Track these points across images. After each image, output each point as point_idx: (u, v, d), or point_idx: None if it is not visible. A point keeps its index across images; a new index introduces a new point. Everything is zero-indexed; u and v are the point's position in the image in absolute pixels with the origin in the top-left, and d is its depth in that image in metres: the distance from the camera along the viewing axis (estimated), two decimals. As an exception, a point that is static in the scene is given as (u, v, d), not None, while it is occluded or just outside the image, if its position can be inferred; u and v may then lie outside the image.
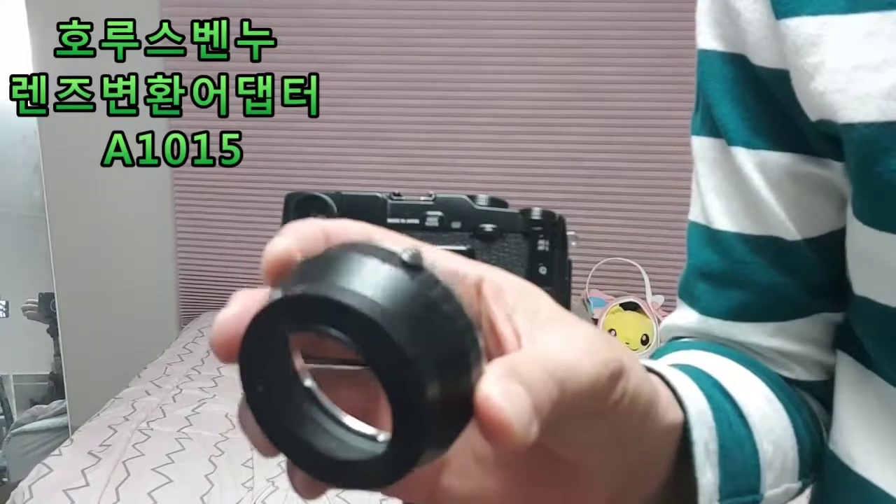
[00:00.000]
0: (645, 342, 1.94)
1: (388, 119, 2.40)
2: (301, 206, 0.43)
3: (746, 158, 0.48)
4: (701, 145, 0.52)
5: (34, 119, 2.47)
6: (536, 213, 0.42)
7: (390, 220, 0.43)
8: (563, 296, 0.43)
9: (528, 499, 0.32)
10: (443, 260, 0.28)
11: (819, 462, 0.51)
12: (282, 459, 0.28)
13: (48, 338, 2.68)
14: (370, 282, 0.24)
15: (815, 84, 0.42)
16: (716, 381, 0.46)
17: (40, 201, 2.54)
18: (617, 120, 2.34)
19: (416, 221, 0.43)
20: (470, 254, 0.43)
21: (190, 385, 1.94)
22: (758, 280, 0.51)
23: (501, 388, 0.24)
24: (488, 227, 0.42)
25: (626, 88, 2.31)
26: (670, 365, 0.45)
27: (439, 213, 0.43)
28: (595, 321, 2.04)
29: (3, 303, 2.66)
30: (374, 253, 0.25)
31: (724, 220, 0.51)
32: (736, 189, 0.50)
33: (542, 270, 0.42)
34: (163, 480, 1.53)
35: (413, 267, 0.25)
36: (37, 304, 2.67)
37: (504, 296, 0.28)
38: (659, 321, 2.01)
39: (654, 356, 0.54)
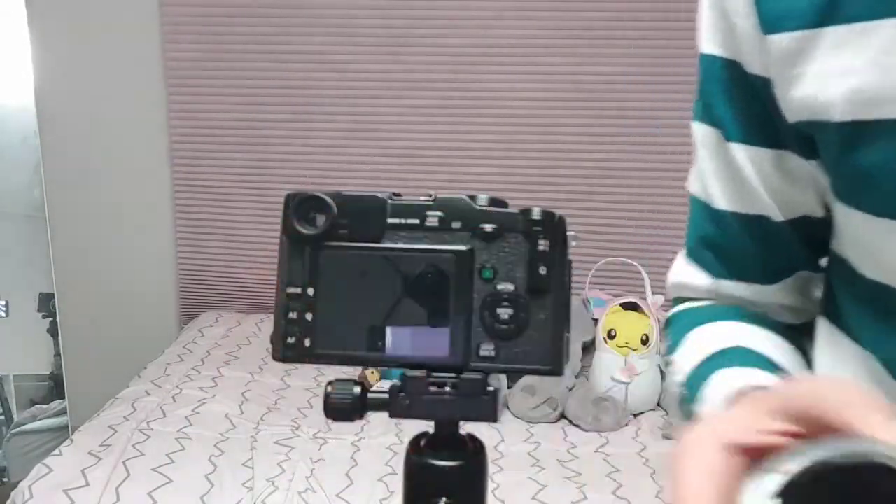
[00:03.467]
0: (645, 342, 1.93)
1: (388, 119, 2.40)
2: (301, 206, 0.43)
3: (741, 152, 0.57)
4: (702, 132, 0.60)
5: (34, 119, 2.47)
6: (536, 213, 0.42)
7: (390, 220, 0.43)
8: (563, 296, 0.43)
9: None
10: None
11: None
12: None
13: (48, 338, 2.68)
14: None
15: (793, 91, 0.50)
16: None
17: (40, 201, 2.54)
18: (617, 120, 2.34)
19: (416, 221, 0.43)
20: (470, 254, 0.43)
21: (190, 385, 1.94)
22: (751, 251, 0.61)
23: None
24: (488, 227, 0.42)
25: (626, 88, 2.31)
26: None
27: (439, 213, 0.43)
28: (595, 321, 2.04)
29: (3, 303, 2.65)
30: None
31: (722, 200, 0.60)
32: (732, 176, 0.59)
33: (542, 270, 0.42)
34: (163, 480, 1.53)
35: None
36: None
37: None
38: (659, 321, 2.01)
39: (676, 322, 0.66)
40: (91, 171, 2.52)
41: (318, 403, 1.87)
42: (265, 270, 2.50)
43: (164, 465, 1.58)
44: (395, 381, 0.43)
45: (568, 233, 0.43)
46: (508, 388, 1.91)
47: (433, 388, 0.43)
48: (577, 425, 1.85)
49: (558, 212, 0.43)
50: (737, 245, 0.61)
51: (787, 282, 0.62)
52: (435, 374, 0.43)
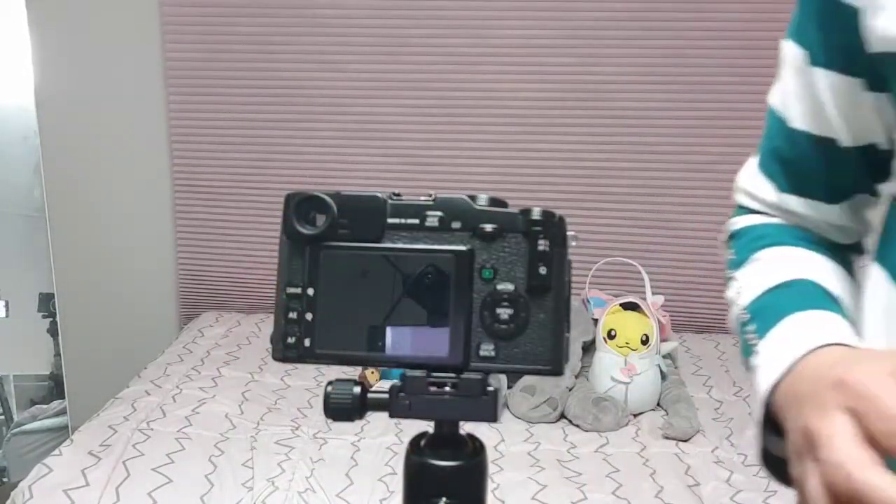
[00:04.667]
0: (645, 342, 1.93)
1: (388, 119, 2.40)
2: (301, 206, 0.43)
3: (822, 77, 0.63)
4: (791, 52, 0.66)
5: (34, 119, 2.47)
6: (536, 213, 0.42)
7: (390, 220, 0.43)
8: (563, 296, 0.43)
9: None
10: None
11: None
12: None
13: (48, 338, 2.68)
14: None
15: (875, 21, 0.55)
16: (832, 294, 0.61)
17: (40, 201, 2.54)
18: (617, 120, 2.34)
19: (416, 221, 0.43)
20: (470, 254, 0.43)
21: (190, 385, 1.94)
22: (818, 170, 0.67)
23: None
24: (488, 226, 0.42)
25: (626, 88, 2.31)
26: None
27: (439, 213, 0.43)
28: (595, 321, 2.04)
29: (3, 303, 2.65)
30: None
31: (798, 119, 0.66)
32: (811, 98, 0.64)
33: (542, 270, 0.42)
34: (163, 480, 1.53)
35: None
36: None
37: None
38: (659, 321, 2.01)
39: (740, 236, 0.70)
40: (91, 171, 2.52)
41: (318, 403, 1.87)
42: (265, 270, 2.50)
43: (164, 465, 1.58)
44: (395, 381, 0.43)
45: (568, 233, 0.43)
46: (508, 388, 1.91)
47: (433, 388, 0.43)
48: (577, 425, 1.85)
49: (558, 212, 0.43)
50: (805, 163, 0.67)
51: (846, 203, 0.68)
52: (435, 374, 0.43)
